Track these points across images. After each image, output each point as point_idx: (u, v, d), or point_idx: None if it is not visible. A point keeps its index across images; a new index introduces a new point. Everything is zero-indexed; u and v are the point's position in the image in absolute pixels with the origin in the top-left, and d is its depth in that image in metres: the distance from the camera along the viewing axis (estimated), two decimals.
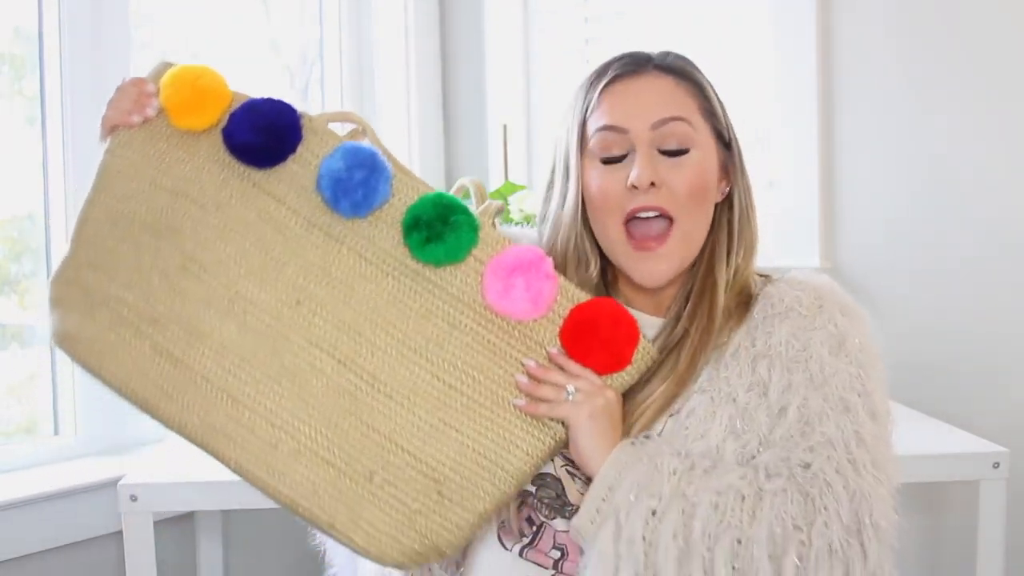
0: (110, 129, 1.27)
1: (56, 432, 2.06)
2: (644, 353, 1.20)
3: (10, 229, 2.05)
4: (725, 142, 1.27)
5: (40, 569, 1.85)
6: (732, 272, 1.26)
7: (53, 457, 2.01)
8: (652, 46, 1.30)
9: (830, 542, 1.10)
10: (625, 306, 1.28)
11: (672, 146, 1.22)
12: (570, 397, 1.16)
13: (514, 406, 1.18)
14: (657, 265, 1.23)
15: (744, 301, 1.25)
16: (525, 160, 2.66)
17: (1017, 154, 2.13)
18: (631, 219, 1.22)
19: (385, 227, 1.21)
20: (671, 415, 1.21)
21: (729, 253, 1.26)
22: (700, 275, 1.26)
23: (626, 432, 1.20)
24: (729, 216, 1.27)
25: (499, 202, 1.24)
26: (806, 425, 1.16)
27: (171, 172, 1.24)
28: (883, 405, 1.20)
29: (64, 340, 1.23)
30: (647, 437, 1.20)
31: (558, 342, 1.19)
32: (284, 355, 1.19)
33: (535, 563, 1.23)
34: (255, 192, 1.23)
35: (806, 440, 1.15)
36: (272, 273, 1.21)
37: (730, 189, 1.28)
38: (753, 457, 1.16)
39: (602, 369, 1.18)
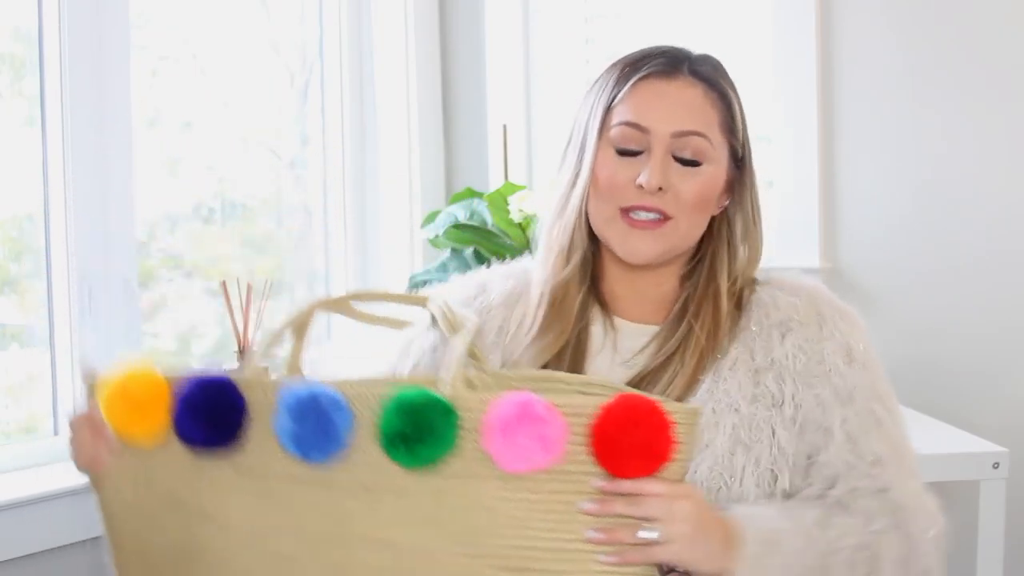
0: (86, 472, 1.21)
1: (56, 432, 2.06)
2: (686, 420, 1.07)
3: (10, 229, 2.05)
4: (738, 159, 1.28)
5: (40, 569, 1.85)
6: (733, 280, 1.27)
7: (53, 457, 2.01)
8: (683, 43, 1.31)
9: (928, 568, 1.17)
10: (612, 311, 1.29)
11: (687, 156, 1.23)
12: (654, 536, 1.05)
13: (601, 562, 1.06)
14: (644, 243, 1.23)
15: (735, 307, 1.26)
16: (525, 160, 2.66)
17: (1017, 154, 2.13)
18: (630, 210, 1.23)
19: (369, 445, 1.11)
20: None
21: (731, 263, 1.27)
22: (702, 282, 1.27)
23: None
24: (730, 229, 1.29)
25: (469, 328, 1.15)
26: (855, 446, 1.19)
27: (157, 491, 1.17)
28: (894, 402, 1.24)
29: None
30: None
31: (596, 465, 1.06)
32: None
33: None
34: (237, 477, 1.15)
35: (863, 462, 1.18)
36: (301, 553, 1.13)
37: (729, 203, 1.29)
38: (771, 470, 1.18)
39: (653, 470, 1.06)
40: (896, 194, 2.24)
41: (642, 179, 1.21)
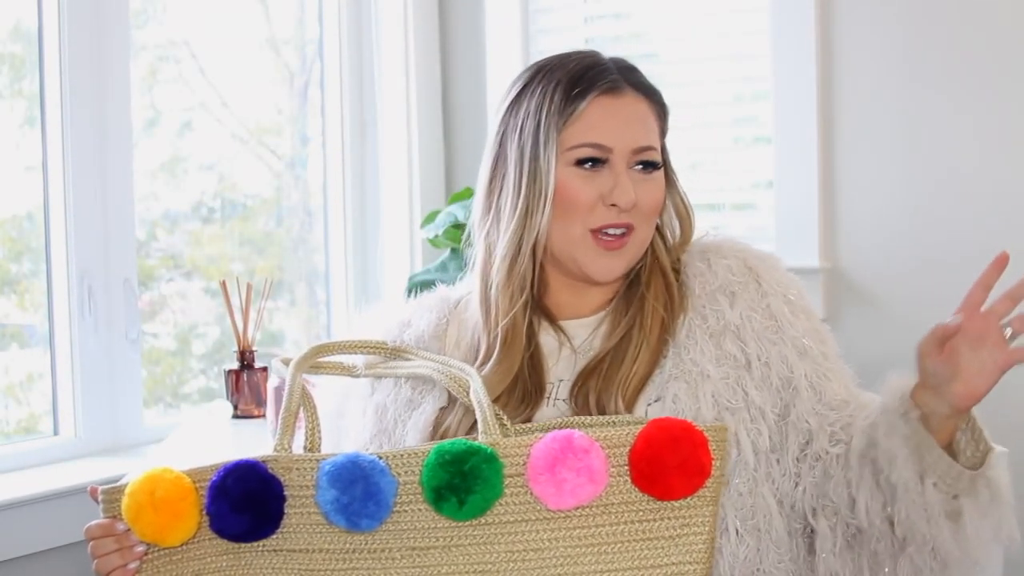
0: None
1: (56, 432, 2.06)
2: (716, 436, 1.13)
3: (10, 229, 2.06)
4: (665, 154, 1.34)
5: (41, 569, 1.86)
6: (673, 260, 1.34)
7: (53, 457, 2.01)
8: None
9: None
10: (557, 319, 1.32)
11: (644, 167, 1.29)
12: None
13: None
14: (615, 262, 1.28)
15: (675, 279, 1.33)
16: None
17: (1017, 153, 2.13)
18: (601, 229, 1.27)
19: (415, 505, 1.13)
20: (650, 404, 1.24)
21: (667, 246, 1.34)
22: (647, 265, 1.32)
23: (613, 403, 1.23)
24: (660, 218, 1.34)
25: (478, 377, 1.19)
26: (820, 395, 1.25)
27: None
28: (827, 334, 1.32)
29: None
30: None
31: (640, 492, 1.12)
32: None
33: None
34: (281, 559, 1.15)
35: (829, 409, 1.25)
36: None
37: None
38: (757, 429, 1.22)
39: (697, 486, 1.11)
40: (896, 194, 2.24)
41: (617, 199, 1.25)
